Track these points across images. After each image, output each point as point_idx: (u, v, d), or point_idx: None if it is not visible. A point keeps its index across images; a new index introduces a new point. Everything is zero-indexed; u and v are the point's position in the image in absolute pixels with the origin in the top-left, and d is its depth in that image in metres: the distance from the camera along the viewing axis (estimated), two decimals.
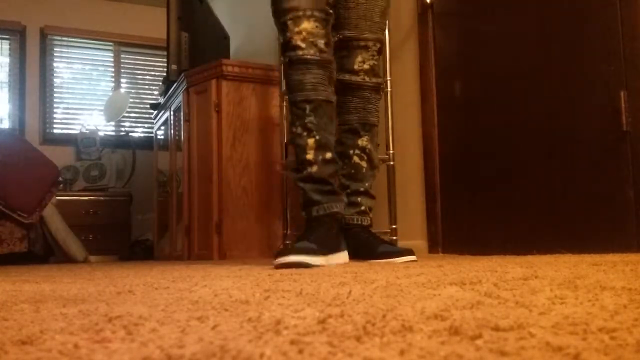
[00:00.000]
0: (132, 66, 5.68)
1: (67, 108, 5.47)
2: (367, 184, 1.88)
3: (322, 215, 1.66)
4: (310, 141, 1.65)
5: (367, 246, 1.78)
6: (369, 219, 1.88)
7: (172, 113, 3.74)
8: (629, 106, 1.86)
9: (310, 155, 1.66)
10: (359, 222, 1.84)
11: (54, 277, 1.50)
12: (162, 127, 4.11)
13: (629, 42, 1.88)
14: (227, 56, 3.75)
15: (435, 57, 2.77)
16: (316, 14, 1.66)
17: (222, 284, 0.98)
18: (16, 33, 5.25)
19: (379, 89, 1.94)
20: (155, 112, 4.31)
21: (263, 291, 0.80)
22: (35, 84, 5.26)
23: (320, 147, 1.66)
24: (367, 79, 1.88)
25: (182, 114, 3.42)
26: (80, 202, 4.77)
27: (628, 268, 0.99)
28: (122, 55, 5.62)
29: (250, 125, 3.18)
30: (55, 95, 5.41)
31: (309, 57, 1.65)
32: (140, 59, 5.69)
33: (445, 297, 0.65)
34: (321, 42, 1.67)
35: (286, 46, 1.69)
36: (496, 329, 0.43)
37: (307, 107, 1.66)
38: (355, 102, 1.88)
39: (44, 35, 5.31)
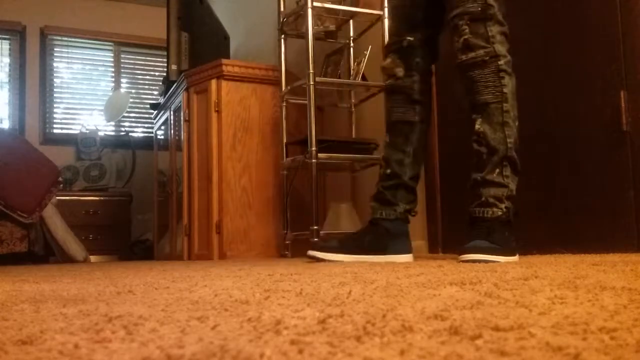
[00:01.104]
0: (132, 66, 5.68)
1: (67, 108, 5.47)
2: (485, 172, 1.71)
3: (372, 219, 1.88)
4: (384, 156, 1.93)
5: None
6: (492, 210, 1.68)
7: (172, 113, 3.74)
8: (629, 106, 1.87)
9: (381, 170, 1.93)
10: (479, 215, 1.71)
11: (54, 277, 1.50)
12: (162, 127, 4.11)
13: (629, 42, 1.88)
14: (227, 56, 3.75)
15: None
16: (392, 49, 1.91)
17: (222, 284, 0.98)
18: (16, 33, 5.25)
19: (482, 61, 1.70)
20: (155, 112, 4.31)
21: (263, 291, 0.80)
22: (35, 84, 5.26)
23: (385, 162, 1.91)
24: (463, 57, 1.71)
25: (182, 114, 3.42)
26: (80, 202, 4.77)
27: (628, 268, 0.99)
28: (122, 55, 5.62)
29: (250, 125, 3.18)
30: (55, 95, 5.41)
31: (388, 85, 1.92)
32: (140, 59, 5.69)
33: (445, 297, 0.65)
34: (399, 71, 1.88)
35: None
36: (496, 329, 0.43)
37: (386, 128, 1.94)
38: (464, 85, 1.77)
39: (44, 35, 5.31)
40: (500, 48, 1.69)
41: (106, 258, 4.67)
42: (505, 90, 1.70)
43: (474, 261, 1.50)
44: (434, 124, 2.76)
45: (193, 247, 3.25)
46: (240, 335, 0.44)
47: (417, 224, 2.84)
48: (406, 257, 1.83)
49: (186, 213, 3.32)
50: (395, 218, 1.84)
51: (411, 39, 1.85)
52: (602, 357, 0.33)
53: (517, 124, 1.72)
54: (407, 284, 0.85)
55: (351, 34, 3.31)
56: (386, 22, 2.88)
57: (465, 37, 1.70)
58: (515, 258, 1.62)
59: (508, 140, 1.69)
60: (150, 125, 5.29)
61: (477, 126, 1.73)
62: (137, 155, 5.22)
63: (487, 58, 1.69)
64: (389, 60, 1.89)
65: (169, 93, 3.75)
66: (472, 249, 1.56)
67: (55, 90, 5.41)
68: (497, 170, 1.69)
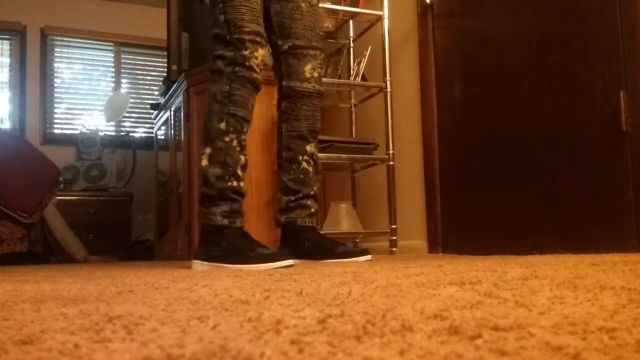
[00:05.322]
0: (133, 66, 5.68)
1: (68, 108, 5.47)
2: (315, 188, 1.99)
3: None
4: None
5: (324, 247, 1.92)
6: (315, 220, 1.99)
7: (172, 113, 3.74)
8: (629, 106, 1.87)
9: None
10: (311, 224, 1.97)
11: (54, 277, 1.50)
12: (163, 127, 4.11)
13: (629, 42, 1.88)
14: None
15: (435, 58, 2.78)
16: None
17: (222, 283, 0.98)
18: (17, 33, 5.25)
19: (322, 96, 2.03)
20: (156, 112, 4.31)
21: (263, 291, 0.80)
22: (35, 84, 5.26)
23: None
24: (317, 86, 1.98)
25: (182, 114, 3.42)
26: (80, 202, 4.77)
27: (627, 268, 0.99)
28: (122, 56, 5.62)
29: (251, 125, 3.17)
30: (55, 95, 5.41)
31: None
32: (141, 59, 5.69)
33: (445, 297, 0.65)
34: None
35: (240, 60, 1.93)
36: (496, 328, 0.43)
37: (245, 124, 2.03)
38: (304, 110, 1.99)
39: (44, 35, 5.31)
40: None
41: (106, 258, 4.67)
42: None
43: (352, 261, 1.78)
44: (434, 124, 2.76)
45: (193, 247, 3.24)
46: (241, 335, 0.44)
47: (417, 224, 2.84)
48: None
49: (186, 213, 3.32)
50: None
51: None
52: (601, 356, 0.33)
53: None
54: (407, 283, 0.85)
55: (351, 34, 3.31)
56: (386, 22, 2.88)
57: (321, 70, 1.99)
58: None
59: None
60: (150, 126, 5.29)
61: (312, 149, 1.98)
62: (137, 155, 5.22)
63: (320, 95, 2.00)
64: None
65: (169, 93, 3.75)
66: (348, 254, 1.85)
67: (55, 90, 5.41)
68: (318, 189, 2.00)
